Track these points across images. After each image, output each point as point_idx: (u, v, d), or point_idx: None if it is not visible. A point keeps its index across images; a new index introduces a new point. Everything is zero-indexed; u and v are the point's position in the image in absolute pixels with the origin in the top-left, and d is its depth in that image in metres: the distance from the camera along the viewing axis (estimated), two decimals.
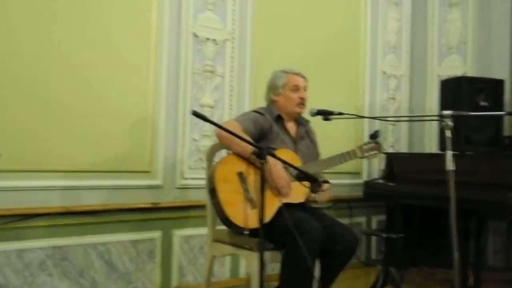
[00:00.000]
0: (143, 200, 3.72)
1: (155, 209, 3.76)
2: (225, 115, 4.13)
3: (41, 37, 3.29)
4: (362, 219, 5.13)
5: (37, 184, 3.28)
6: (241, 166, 3.01)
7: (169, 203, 3.84)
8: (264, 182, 2.45)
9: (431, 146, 5.36)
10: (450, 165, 2.61)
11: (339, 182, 4.65)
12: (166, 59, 3.84)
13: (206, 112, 4.00)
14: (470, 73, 5.06)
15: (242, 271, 4.21)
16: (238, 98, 4.23)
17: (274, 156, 2.54)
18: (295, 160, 3.07)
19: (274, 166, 2.91)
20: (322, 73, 4.59)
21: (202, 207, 3.83)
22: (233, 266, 4.19)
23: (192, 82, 3.97)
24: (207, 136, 4.04)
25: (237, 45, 4.22)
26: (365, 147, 3.26)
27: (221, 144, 3.10)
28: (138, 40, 3.72)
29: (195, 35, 3.98)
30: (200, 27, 4.00)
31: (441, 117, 2.64)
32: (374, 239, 5.16)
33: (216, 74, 4.10)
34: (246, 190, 2.97)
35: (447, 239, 4.37)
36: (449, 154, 2.60)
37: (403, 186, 4.36)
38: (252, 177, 2.97)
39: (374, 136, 3.25)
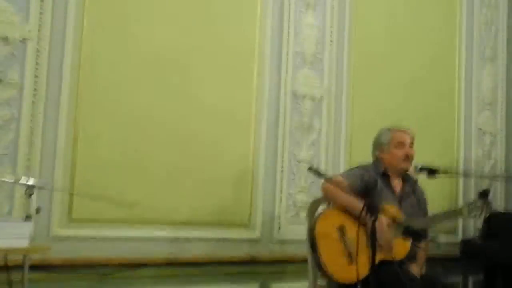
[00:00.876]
0: (241, 252, 3.79)
1: (253, 262, 3.82)
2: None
3: (148, 94, 3.50)
4: (457, 279, 4.97)
5: (145, 234, 3.42)
6: (341, 220, 3.04)
7: (266, 257, 3.89)
8: (375, 237, 2.47)
9: None
10: None
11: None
12: (266, 115, 3.97)
13: (302, 168, 4.08)
14: None
15: None
16: (333, 154, 4.28)
17: (384, 212, 2.55)
18: (398, 216, 3.07)
19: (379, 223, 2.92)
20: (418, 129, 4.57)
21: (298, 261, 3.88)
22: None
23: (290, 137, 4.07)
24: (303, 192, 4.10)
25: (333, 101, 4.30)
26: (473, 205, 3.17)
27: (326, 199, 3.14)
28: (241, 97, 3.87)
29: (294, 92, 4.10)
30: (298, 84, 4.12)
31: None
32: None
33: (313, 130, 4.19)
34: (345, 245, 3.00)
35: None
36: None
37: (503, 245, 4.22)
38: (352, 232, 2.98)
39: (484, 194, 3.16)
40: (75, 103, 3.23)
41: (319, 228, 3.04)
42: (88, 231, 3.22)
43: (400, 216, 3.12)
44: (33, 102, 3.09)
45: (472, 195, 5.15)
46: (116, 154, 3.35)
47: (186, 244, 3.56)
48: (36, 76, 3.11)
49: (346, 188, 2.89)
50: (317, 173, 2.51)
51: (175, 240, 3.52)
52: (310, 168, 2.55)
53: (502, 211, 5.21)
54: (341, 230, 3.01)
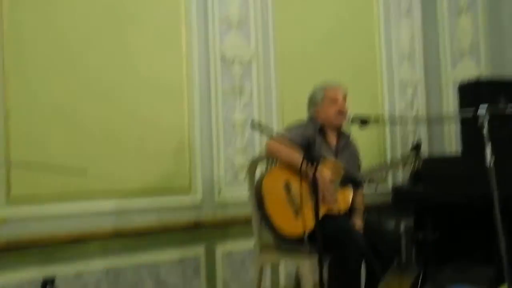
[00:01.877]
0: (185, 218, 3.84)
1: (197, 227, 3.88)
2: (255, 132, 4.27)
3: (82, 63, 3.45)
4: (390, 224, 5.22)
5: (88, 208, 3.40)
6: (287, 177, 3.14)
7: (209, 221, 3.96)
8: (316, 184, 2.57)
9: (451, 148, 5.50)
10: (489, 161, 2.72)
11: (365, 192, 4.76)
12: (198, 81, 3.99)
13: (238, 129, 4.16)
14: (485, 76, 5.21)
15: (282, 281, 4.33)
16: (266, 114, 4.37)
17: (322, 162, 2.66)
18: (338, 169, 3.20)
19: (322, 177, 3.03)
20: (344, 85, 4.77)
21: (241, 223, 4.01)
22: (274, 277, 4.30)
23: (223, 101, 4.13)
24: (239, 153, 4.17)
25: (261, 63, 4.37)
26: (406, 158, 3.31)
27: (270, 156, 3.22)
28: (172, 64, 3.88)
29: (222, 57, 4.14)
30: (226, 49, 4.16)
31: (476, 114, 2.75)
32: (403, 243, 5.24)
33: (244, 92, 4.25)
34: (292, 200, 3.10)
35: (479, 236, 4.50)
36: (488, 150, 2.72)
37: (429, 189, 4.44)
38: (297, 187, 3.09)
39: (417, 147, 3.31)
40: (2, 73, 3.13)
41: (266, 185, 3.13)
42: (29, 210, 3.17)
43: (340, 167, 3.24)
44: None
45: (399, 145, 5.42)
46: (51, 126, 3.29)
47: (129, 215, 3.58)
48: None
49: (288, 144, 2.97)
50: (259, 127, 2.58)
51: (119, 212, 3.53)
52: (252, 123, 2.61)
53: (426, 157, 5.49)
54: (287, 186, 3.11)
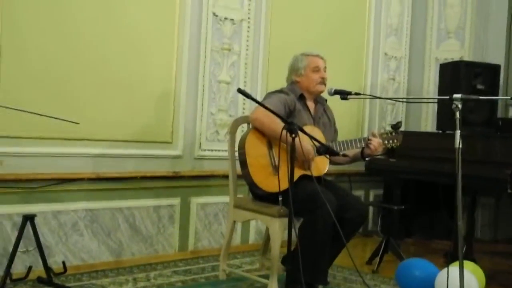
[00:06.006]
0: (165, 169, 3.98)
1: (175, 177, 4.02)
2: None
3: (71, 16, 3.50)
4: (360, 193, 5.44)
5: (72, 151, 3.52)
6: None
7: (188, 172, 4.10)
8: (294, 154, 2.71)
9: (427, 125, 5.67)
10: (458, 143, 2.88)
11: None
12: (188, 36, 4.07)
13: (222, 88, 4.27)
14: (466, 58, 5.36)
15: (252, 237, 4.52)
16: (252, 76, 4.48)
17: (303, 131, 2.78)
18: (320, 136, 3.31)
19: (303, 141, 3.14)
20: (329, 54, 4.83)
21: (217, 176, 4.16)
22: (244, 232, 4.49)
23: (211, 58, 4.21)
24: (223, 111, 4.30)
25: (252, 25, 4.45)
26: (386, 136, 3.43)
27: (255, 126, 3.31)
28: (164, 19, 3.94)
29: (215, 15, 4.20)
30: (219, 7, 4.22)
31: (452, 100, 2.89)
32: (370, 211, 5.47)
33: (233, 51, 4.34)
34: (272, 158, 3.24)
35: (441, 212, 4.72)
36: (458, 133, 2.86)
37: (403, 162, 4.59)
38: (277, 148, 3.21)
39: (396, 126, 3.40)
40: None
41: (250, 139, 3.27)
42: (13, 148, 3.27)
43: (321, 136, 3.37)
44: None
45: (377, 118, 5.58)
46: (40, 71, 3.37)
47: (111, 160, 3.70)
48: None
49: (272, 115, 3.04)
50: (246, 94, 2.69)
51: (101, 156, 3.65)
52: (239, 90, 2.71)
53: (405, 131, 5.65)
54: (270, 143, 3.25)
